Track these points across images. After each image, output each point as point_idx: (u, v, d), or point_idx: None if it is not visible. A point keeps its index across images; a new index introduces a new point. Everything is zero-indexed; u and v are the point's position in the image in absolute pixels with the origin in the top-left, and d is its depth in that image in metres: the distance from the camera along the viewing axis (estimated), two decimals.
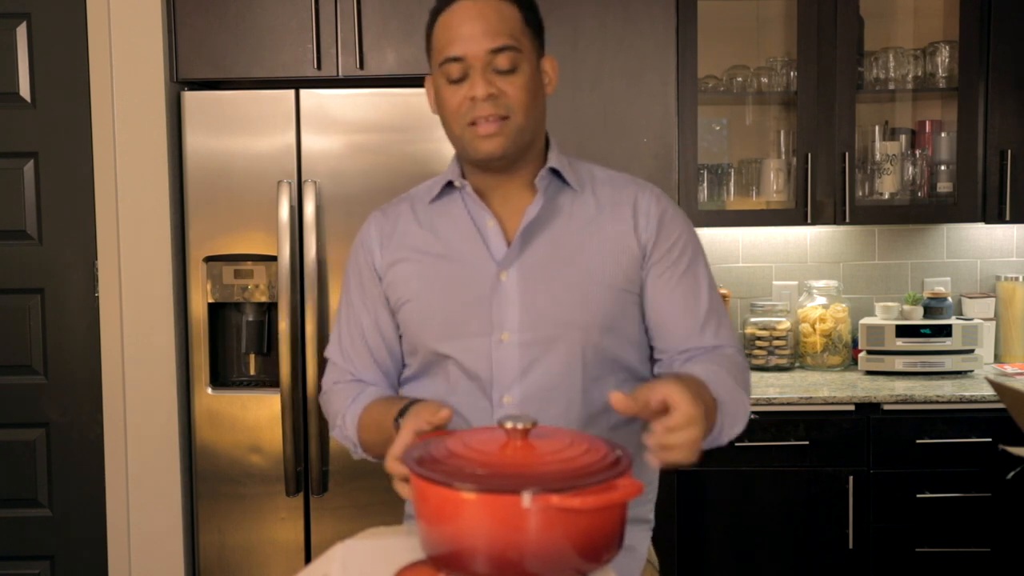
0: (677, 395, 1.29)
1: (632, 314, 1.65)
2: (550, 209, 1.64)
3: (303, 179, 3.04)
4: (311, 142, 3.05)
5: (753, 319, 3.51)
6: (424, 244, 1.66)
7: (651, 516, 1.72)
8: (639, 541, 1.69)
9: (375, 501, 3.05)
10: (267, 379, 3.17)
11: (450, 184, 1.68)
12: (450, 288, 1.62)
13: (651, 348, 1.70)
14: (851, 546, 3.07)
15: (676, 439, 1.28)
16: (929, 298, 3.41)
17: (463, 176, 1.67)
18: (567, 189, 1.66)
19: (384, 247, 1.69)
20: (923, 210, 3.41)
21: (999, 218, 3.29)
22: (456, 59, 1.56)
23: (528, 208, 1.62)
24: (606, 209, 1.65)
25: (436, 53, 1.60)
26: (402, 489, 1.36)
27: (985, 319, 3.47)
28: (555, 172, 1.66)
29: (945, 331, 3.29)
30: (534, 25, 1.63)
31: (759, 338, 3.47)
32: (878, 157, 3.39)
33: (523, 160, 1.64)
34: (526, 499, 1.14)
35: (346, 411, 1.68)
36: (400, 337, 1.71)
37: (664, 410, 1.30)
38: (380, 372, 1.73)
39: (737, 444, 3.06)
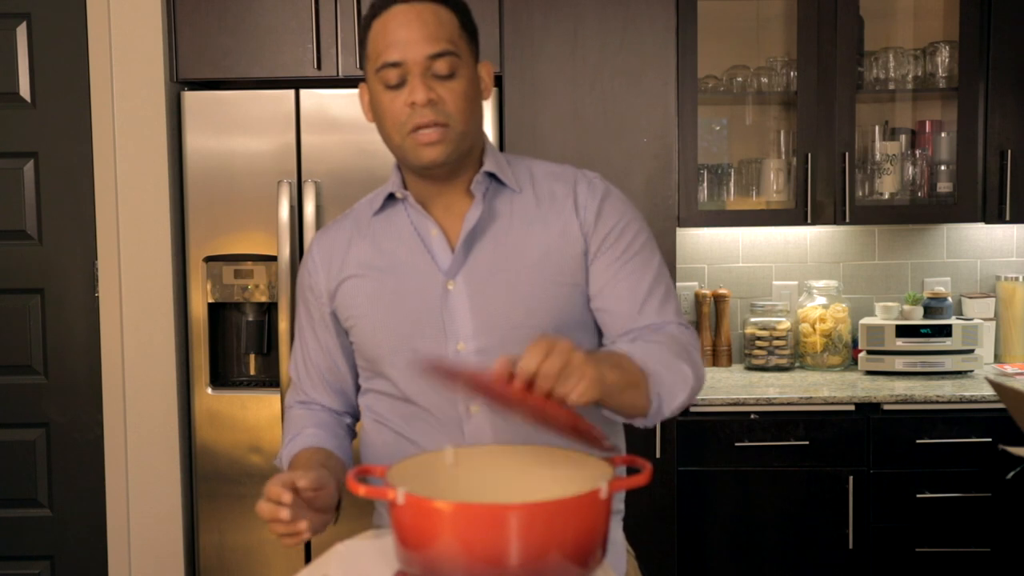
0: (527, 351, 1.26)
1: (581, 306, 1.63)
2: (489, 213, 1.62)
3: (303, 179, 3.04)
4: (311, 142, 3.05)
5: (753, 319, 3.51)
6: (369, 259, 1.64)
7: (622, 506, 1.73)
8: (616, 532, 1.69)
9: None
10: (267, 379, 3.17)
11: (392, 196, 1.66)
12: (398, 302, 1.60)
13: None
14: (851, 546, 3.07)
15: (547, 367, 1.23)
16: (929, 298, 3.41)
17: (404, 186, 1.65)
18: (506, 190, 1.64)
19: (328, 268, 1.67)
20: (923, 210, 3.41)
21: (999, 218, 3.29)
22: (394, 64, 1.53)
23: (467, 215, 1.60)
24: (546, 204, 1.63)
25: (372, 58, 1.57)
26: (263, 508, 1.40)
27: (985, 319, 3.47)
28: (491, 175, 1.64)
29: (945, 331, 3.29)
30: (470, 30, 1.61)
31: (759, 338, 3.47)
32: (878, 157, 3.39)
33: (463, 166, 1.61)
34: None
35: (283, 449, 1.71)
36: (353, 353, 1.71)
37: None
38: (332, 392, 1.74)
39: (737, 444, 3.06)
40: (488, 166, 1.62)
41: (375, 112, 1.61)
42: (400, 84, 1.54)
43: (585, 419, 1.29)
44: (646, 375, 1.45)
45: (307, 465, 1.57)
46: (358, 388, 1.75)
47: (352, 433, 1.78)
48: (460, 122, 1.56)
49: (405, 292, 1.60)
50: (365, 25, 1.60)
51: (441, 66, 1.54)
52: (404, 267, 1.62)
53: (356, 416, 1.78)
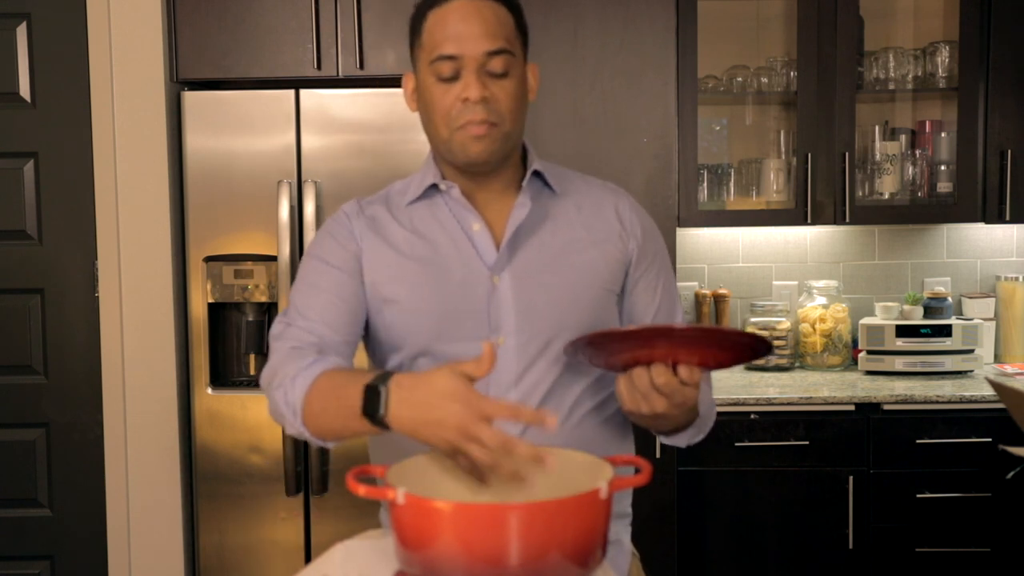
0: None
1: (614, 312, 1.68)
2: (536, 212, 1.64)
3: (303, 179, 3.04)
4: (311, 142, 3.05)
5: (753, 319, 3.50)
6: (408, 245, 1.63)
7: (629, 510, 1.74)
8: (622, 534, 1.71)
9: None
10: None
11: (433, 186, 1.66)
12: (441, 291, 1.60)
13: None
14: (851, 546, 3.07)
15: (684, 392, 1.42)
16: (929, 298, 3.41)
17: (443, 179, 1.65)
18: (547, 191, 1.67)
19: (365, 236, 1.64)
20: (923, 210, 3.41)
21: (999, 218, 3.29)
22: (450, 57, 1.54)
23: (514, 212, 1.62)
24: (587, 211, 1.67)
25: (427, 49, 1.57)
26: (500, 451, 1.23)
27: (985, 319, 3.47)
28: (537, 175, 1.66)
29: (945, 331, 3.29)
30: (524, 31, 1.63)
31: None
32: (878, 157, 3.39)
33: (504, 165, 1.63)
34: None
35: (298, 374, 1.49)
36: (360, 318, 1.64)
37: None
38: (356, 334, 1.61)
39: (737, 444, 3.06)
40: (536, 165, 1.65)
41: (422, 103, 1.60)
42: (453, 78, 1.55)
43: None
44: (698, 416, 1.62)
45: (357, 375, 1.41)
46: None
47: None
48: (509, 122, 1.57)
49: (449, 283, 1.61)
50: (419, 13, 1.60)
51: (496, 64, 1.55)
52: (447, 259, 1.62)
53: None
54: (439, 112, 1.57)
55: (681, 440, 1.66)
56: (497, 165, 1.61)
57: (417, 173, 1.69)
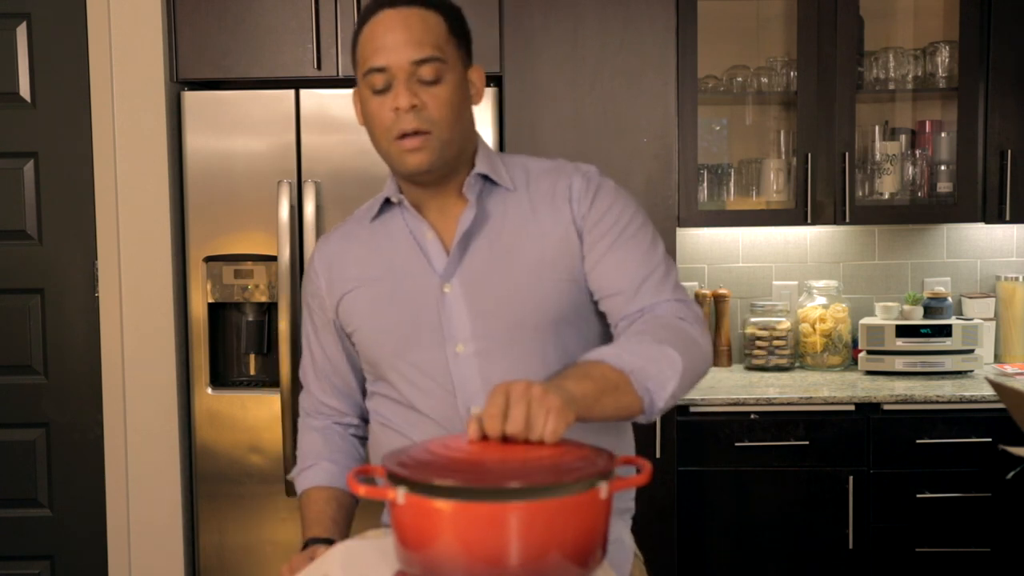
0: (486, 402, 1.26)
1: (581, 301, 1.61)
2: (483, 214, 1.62)
3: (303, 179, 3.04)
4: (311, 142, 3.05)
5: (753, 319, 3.51)
6: (367, 266, 1.66)
7: (631, 504, 1.72)
8: (623, 532, 1.69)
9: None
10: (267, 379, 3.17)
11: (389, 201, 1.67)
12: (396, 306, 1.61)
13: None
14: (851, 546, 3.07)
15: (512, 420, 1.22)
16: (929, 298, 3.41)
17: (400, 192, 1.66)
18: (499, 190, 1.64)
19: (330, 277, 1.69)
20: (923, 210, 3.41)
21: (999, 218, 3.29)
22: (379, 69, 1.54)
23: (461, 217, 1.61)
24: (541, 203, 1.62)
25: (360, 63, 1.58)
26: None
27: (985, 319, 3.47)
28: (483, 176, 1.63)
29: (945, 331, 3.29)
30: (460, 34, 1.60)
31: (759, 338, 3.47)
32: (878, 157, 3.39)
33: (455, 170, 1.61)
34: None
35: (299, 472, 1.75)
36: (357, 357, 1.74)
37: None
38: (339, 396, 1.77)
39: (737, 444, 3.06)
40: (480, 167, 1.62)
41: (364, 118, 1.62)
42: (386, 89, 1.55)
43: (574, 442, 1.26)
44: (626, 374, 1.40)
45: (317, 519, 1.65)
46: (365, 391, 1.77)
47: (364, 436, 1.80)
48: (444, 129, 1.55)
49: (402, 297, 1.61)
50: (356, 31, 1.61)
51: (426, 72, 1.54)
52: (401, 272, 1.63)
53: (366, 418, 1.79)
54: (377, 125, 1.57)
55: (658, 401, 1.43)
56: (445, 172, 1.59)
57: (384, 190, 1.71)
